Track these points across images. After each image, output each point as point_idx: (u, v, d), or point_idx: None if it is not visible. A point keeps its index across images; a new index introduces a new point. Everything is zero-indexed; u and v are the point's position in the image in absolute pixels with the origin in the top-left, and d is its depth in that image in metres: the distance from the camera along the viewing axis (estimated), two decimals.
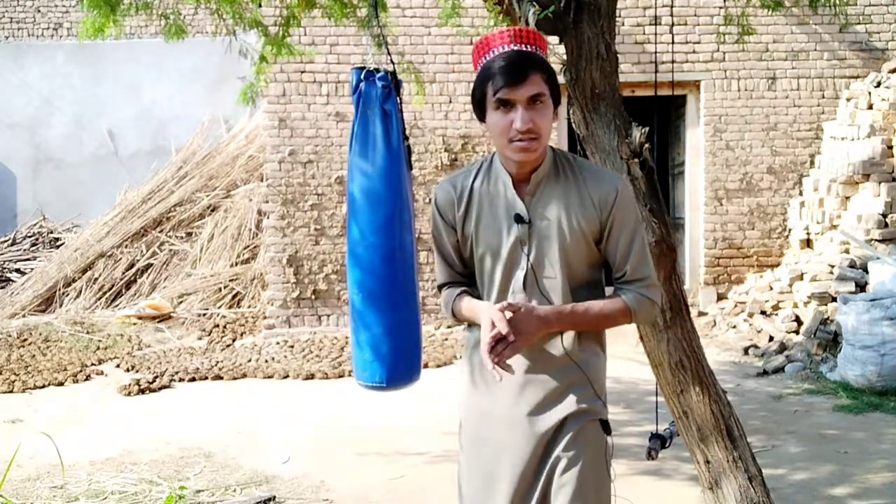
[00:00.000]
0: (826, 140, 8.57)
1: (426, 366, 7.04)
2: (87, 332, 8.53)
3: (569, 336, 2.19)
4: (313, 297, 8.48)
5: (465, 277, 2.33)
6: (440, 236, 2.32)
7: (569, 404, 2.18)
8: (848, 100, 8.47)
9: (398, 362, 3.35)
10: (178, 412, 6.07)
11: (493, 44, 2.14)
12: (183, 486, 4.44)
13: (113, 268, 9.93)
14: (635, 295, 2.18)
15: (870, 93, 8.16)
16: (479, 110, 2.18)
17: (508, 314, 2.05)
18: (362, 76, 3.42)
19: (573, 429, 2.17)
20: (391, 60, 3.54)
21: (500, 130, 2.11)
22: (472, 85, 2.23)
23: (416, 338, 3.57)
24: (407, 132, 3.52)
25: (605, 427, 2.23)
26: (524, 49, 2.11)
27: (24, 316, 9.35)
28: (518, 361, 2.15)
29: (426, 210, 8.46)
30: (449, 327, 8.37)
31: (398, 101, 3.47)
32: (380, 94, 3.39)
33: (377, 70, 3.43)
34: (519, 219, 2.17)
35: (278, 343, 8.06)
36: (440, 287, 2.39)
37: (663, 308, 3.08)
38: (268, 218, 8.60)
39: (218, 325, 8.72)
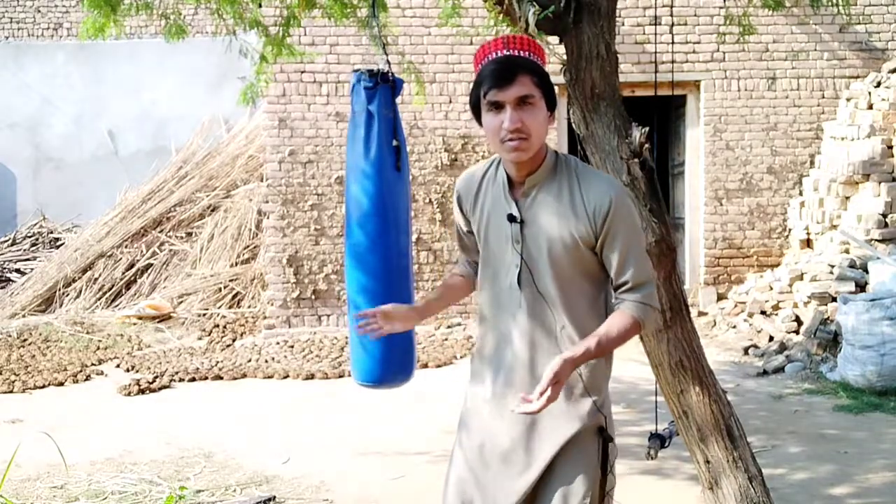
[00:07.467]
0: (826, 140, 8.57)
1: (426, 366, 7.05)
2: (87, 332, 8.53)
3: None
4: (313, 297, 8.48)
5: (471, 258, 2.50)
6: (457, 218, 2.46)
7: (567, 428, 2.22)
8: (848, 100, 8.47)
9: (394, 361, 3.38)
10: (178, 412, 6.07)
11: (489, 50, 2.20)
12: (183, 486, 4.44)
13: (113, 268, 9.92)
14: (638, 305, 2.20)
15: (870, 93, 8.15)
16: (476, 114, 2.24)
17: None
18: (361, 78, 3.43)
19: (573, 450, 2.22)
20: (388, 62, 3.55)
21: (493, 131, 2.17)
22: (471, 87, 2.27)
23: (411, 337, 3.59)
24: (406, 133, 3.52)
25: (602, 432, 2.25)
26: (514, 54, 2.18)
27: (24, 316, 9.34)
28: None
29: (426, 210, 8.46)
30: (449, 327, 8.37)
31: (396, 103, 3.48)
32: (378, 96, 3.39)
33: (376, 72, 3.44)
34: (511, 218, 2.24)
35: (278, 343, 8.06)
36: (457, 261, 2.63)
37: (663, 308, 3.09)
38: (268, 218, 8.60)
39: (218, 325, 8.72)
